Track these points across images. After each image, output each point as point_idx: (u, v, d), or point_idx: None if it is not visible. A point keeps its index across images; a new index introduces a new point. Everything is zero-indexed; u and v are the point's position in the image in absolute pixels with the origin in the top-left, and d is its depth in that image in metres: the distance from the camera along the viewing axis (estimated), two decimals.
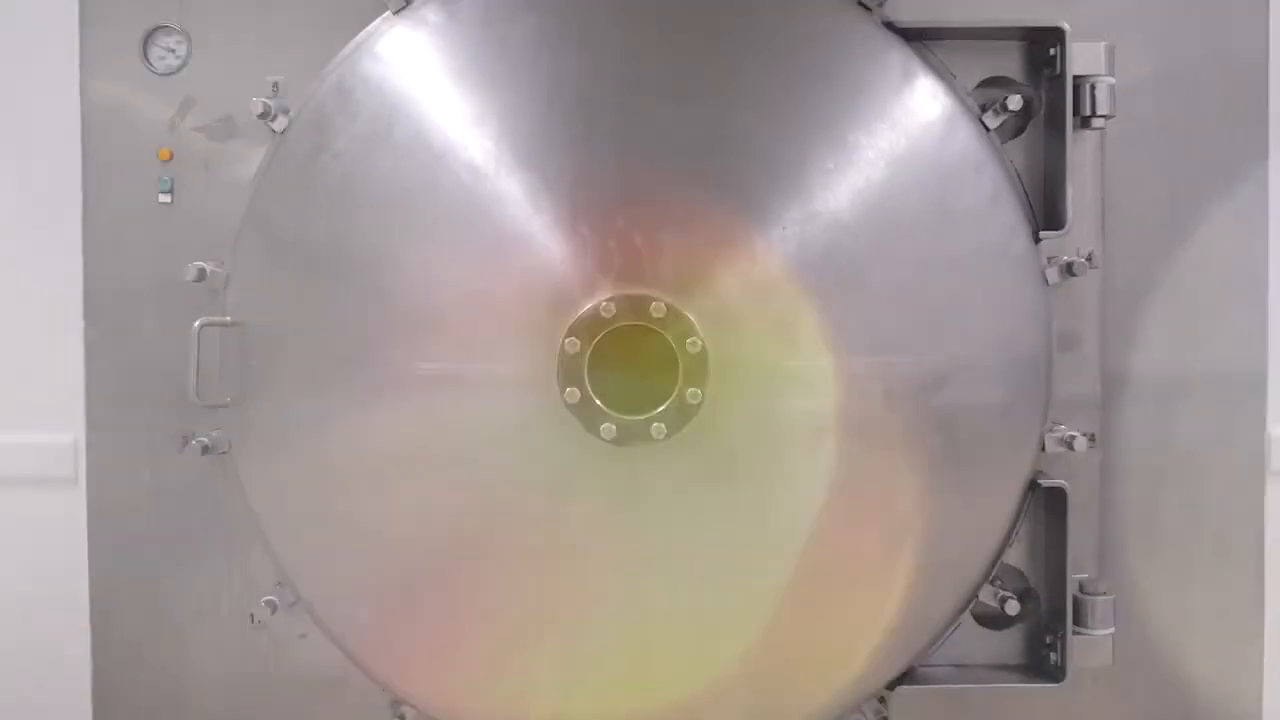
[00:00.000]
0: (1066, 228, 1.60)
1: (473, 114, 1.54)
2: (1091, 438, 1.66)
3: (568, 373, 1.45)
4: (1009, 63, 1.71)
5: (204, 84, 1.72)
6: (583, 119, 1.56)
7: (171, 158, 1.72)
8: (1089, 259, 1.63)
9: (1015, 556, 1.74)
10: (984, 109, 1.61)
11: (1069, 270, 1.60)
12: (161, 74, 1.71)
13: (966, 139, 1.57)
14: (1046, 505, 1.71)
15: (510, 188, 1.50)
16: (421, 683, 1.69)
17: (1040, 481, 1.62)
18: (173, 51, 1.70)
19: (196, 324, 1.54)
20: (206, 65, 1.73)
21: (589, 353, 1.46)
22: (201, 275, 1.60)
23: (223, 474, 1.70)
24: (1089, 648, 1.66)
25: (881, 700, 1.67)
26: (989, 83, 1.67)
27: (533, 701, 1.69)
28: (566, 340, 1.44)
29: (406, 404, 1.57)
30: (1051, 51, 1.63)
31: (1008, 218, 1.58)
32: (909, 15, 1.60)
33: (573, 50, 1.60)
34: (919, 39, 1.59)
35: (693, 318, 1.45)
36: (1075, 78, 1.59)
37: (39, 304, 2.00)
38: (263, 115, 1.57)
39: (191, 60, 1.72)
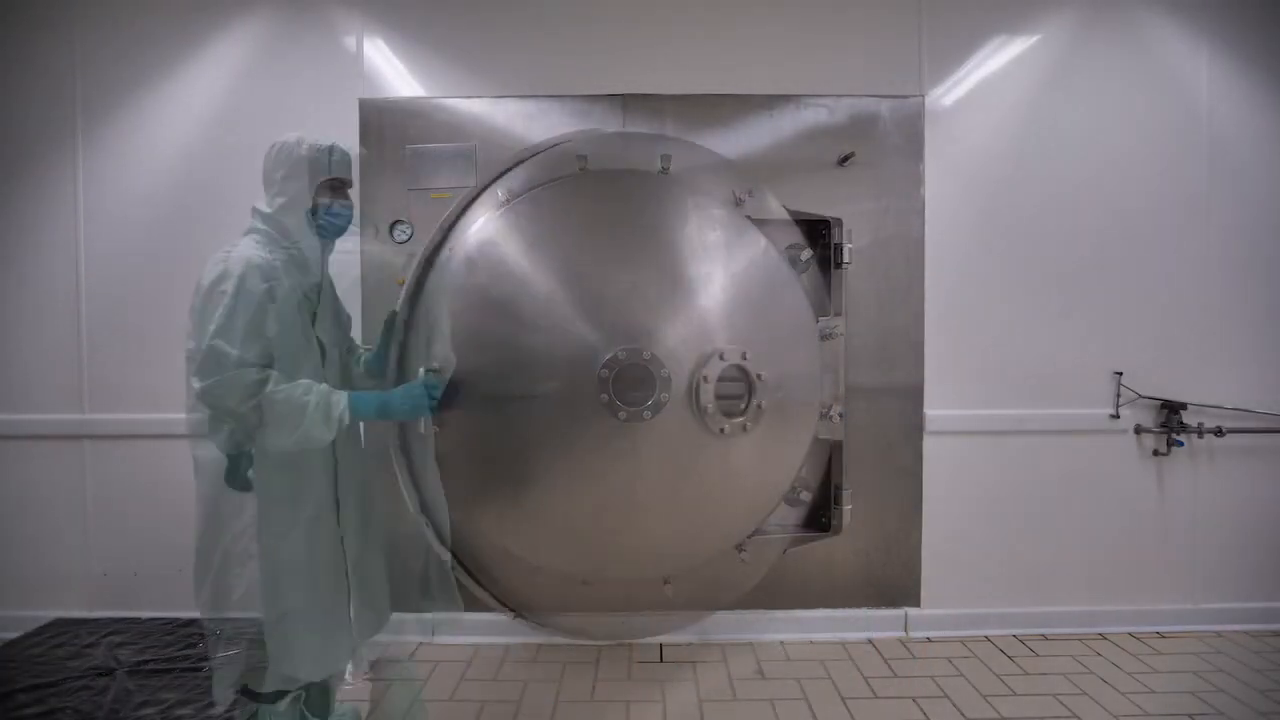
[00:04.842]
0: (830, 315, 3.04)
1: (542, 260, 2.81)
2: (841, 415, 3.06)
3: (602, 387, 2.66)
4: (796, 236, 3.09)
5: (418, 247, 2.90)
6: (599, 265, 2.77)
7: (404, 283, 2.88)
8: (839, 330, 3.07)
9: (804, 471, 3.10)
10: (791, 259, 3.03)
11: (830, 335, 3.03)
12: (399, 243, 2.94)
13: (785, 272, 2.94)
14: (820, 448, 3.10)
15: (561, 295, 2.74)
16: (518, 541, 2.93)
17: (819, 435, 3.02)
18: (404, 232, 2.93)
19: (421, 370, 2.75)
20: (419, 239, 2.92)
21: (611, 377, 2.67)
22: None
23: None
24: (840, 516, 3.05)
25: (741, 546, 3.01)
26: (790, 247, 3.07)
27: (585, 550, 2.92)
28: (601, 371, 2.67)
29: (520, 406, 2.72)
30: (823, 231, 3.07)
31: (803, 310, 2.94)
32: (755, 212, 2.97)
33: (590, 230, 2.83)
34: (760, 224, 2.96)
35: (662, 360, 2.67)
36: (835, 244, 3.04)
37: None
38: (446, 259, 2.86)
39: (414, 236, 2.94)
